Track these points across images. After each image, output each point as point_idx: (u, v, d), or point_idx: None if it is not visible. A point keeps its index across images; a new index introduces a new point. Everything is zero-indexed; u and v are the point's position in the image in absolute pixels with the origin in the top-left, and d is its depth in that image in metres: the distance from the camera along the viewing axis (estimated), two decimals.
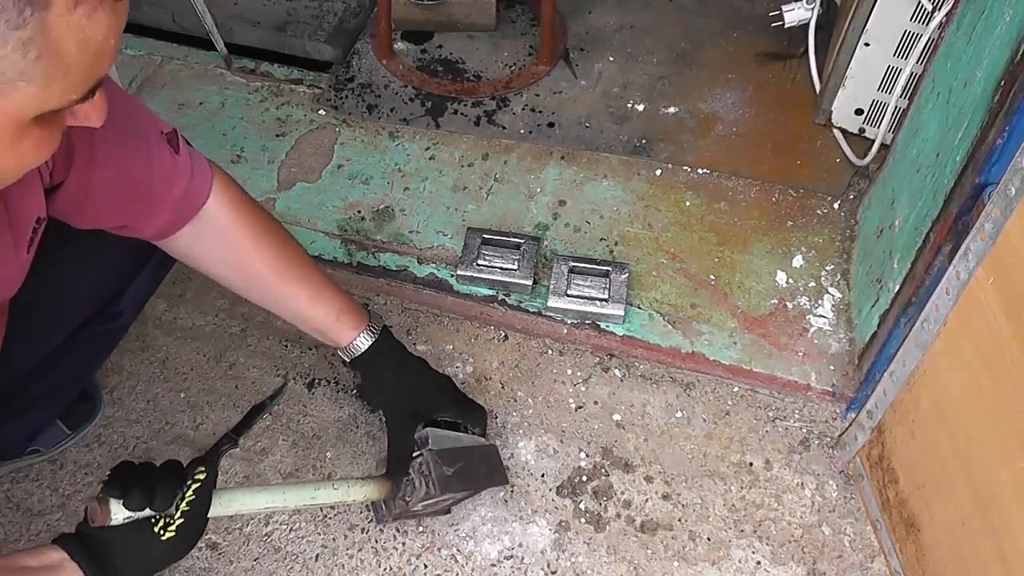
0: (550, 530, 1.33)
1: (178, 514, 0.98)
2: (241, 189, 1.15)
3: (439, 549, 1.31)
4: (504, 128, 1.80)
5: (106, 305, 1.21)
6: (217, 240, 1.11)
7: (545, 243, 1.61)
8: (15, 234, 0.88)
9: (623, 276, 1.52)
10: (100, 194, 0.96)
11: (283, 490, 1.12)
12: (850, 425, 1.35)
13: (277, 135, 1.79)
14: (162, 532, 0.97)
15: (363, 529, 1.32)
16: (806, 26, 1.79)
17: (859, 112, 1.69)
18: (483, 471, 1.29)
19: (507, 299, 1.54)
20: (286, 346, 1.52)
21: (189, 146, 1.07)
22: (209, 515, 1.02)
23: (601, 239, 1.63)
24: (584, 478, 1.38)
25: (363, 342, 1.22)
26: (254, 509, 1.11)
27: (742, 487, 1.37)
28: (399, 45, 1.95)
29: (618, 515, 1.35)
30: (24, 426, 1.29)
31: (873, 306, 1.40)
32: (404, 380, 1.27)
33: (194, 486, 0.99)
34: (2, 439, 1.27)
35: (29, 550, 0.92)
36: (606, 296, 1.50)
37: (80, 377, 1.33)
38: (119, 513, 0.95)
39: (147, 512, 0.96)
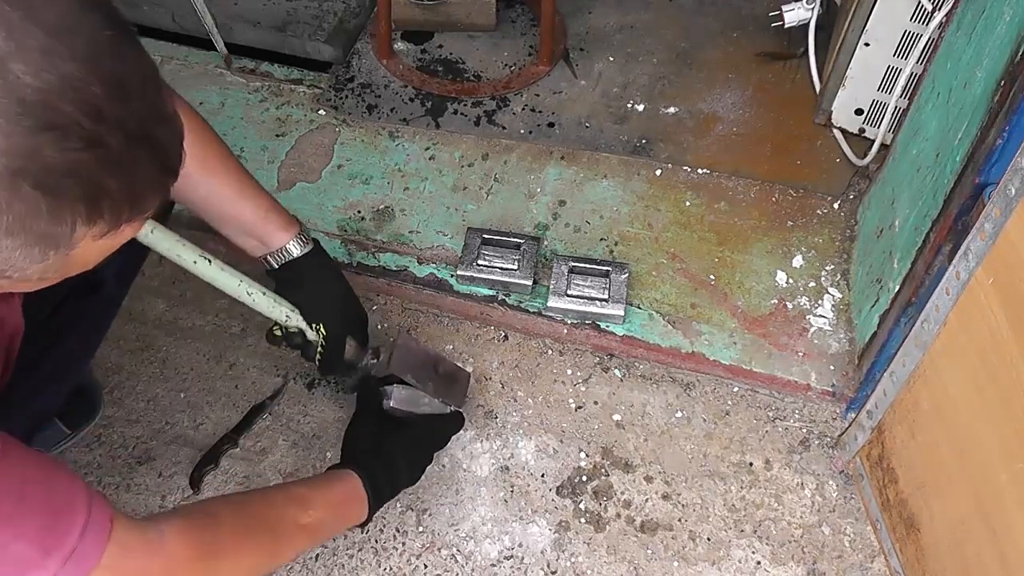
0: (550, 530, 1.33)
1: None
2: (189, 109, 1.13)
3: (439, 549, 1.31)
4: (504, 128, 1.80)
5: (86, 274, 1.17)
6: None
7: (545, 243, 1.62)
8: None
9: (623, 276, 1.52)
10: None
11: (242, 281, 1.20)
12: (850, 425, 1.35)
13: (277, 135, 1.79)
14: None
15: (363, 529, 1.32)
16: (806, 26, 1.79)
17: (859, 112, 1.69)
18: (444, 385, 1.34)
19: (507, 299, 1.54)
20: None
21: None
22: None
23: (601, 239, 1.63)
24: (584, 478, 1.38)
25: (296, 247, 1.20)
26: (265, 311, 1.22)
27: (742, 487, 1.38)
28: (399, 45, 1.95)
29: (618, 515, 1.35)
30: (22, 420, 1.28)
31: (873, 306, 1.40)
32: (343, 288, 1.27)
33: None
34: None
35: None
36: (606, 296, 1.50)
37: (75, 361, 1.29)
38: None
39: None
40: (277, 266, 1.20)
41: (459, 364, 1.41)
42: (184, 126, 1.07)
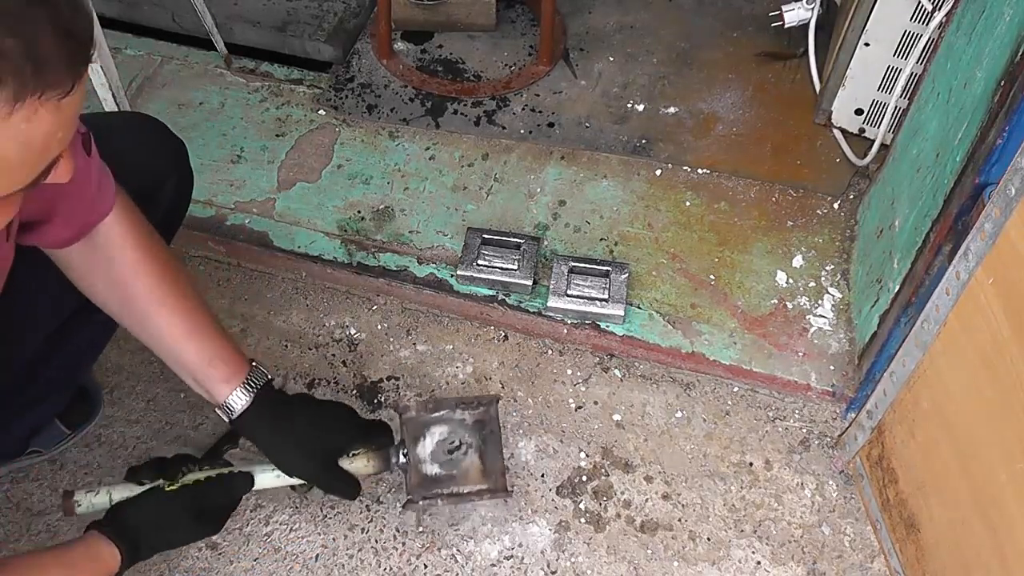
0: (550, 530, 1.33)
1: (179, 480, 1.06)
2: (138, 210, 1.06)
3: (439, 549, 1.31)
4: (504, 128, 1.80)
5: (86, 299, 1.14)
6: (105, 258, 1.02)
7: (545, 243, 1.62)
8: None
9: (623, 276, 1.52)
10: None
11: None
12: (850, 425, 1.35)
13: (277, 135, 1.79)
14: (166, 487, 1.05)
15: (363, 529, 1.32)
16: (806, 26, 1.79)
17: (859, 112, 1.69)
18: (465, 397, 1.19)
19: (507, 299, 1.54)
20: (286, 346, 1.52)
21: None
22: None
23: (601, 239, 1.63)
24: (584, 478, 1.38)
25: (239, 399, 1.05)
26: (269, 485, 1.12)
27: (742, 487, 1.37)
28: (399, 45, 1.95)
29: (618, 515, 1.35)
30: (23, 425, 1.29)
31: (873, 306, 1.40)
32: (304, 429, 1.10)
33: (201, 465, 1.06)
34: (2, 439, 1.27)
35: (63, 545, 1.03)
36: (606, 296, 1.50)
37: (76, 373, 1.32)
38: (82, 500, 1.07)
39: (104, 500, 1.07)
40: (228, 420, 1.07)
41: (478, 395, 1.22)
42: (152, 251, 1.05)
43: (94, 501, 1.08)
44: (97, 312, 1.14)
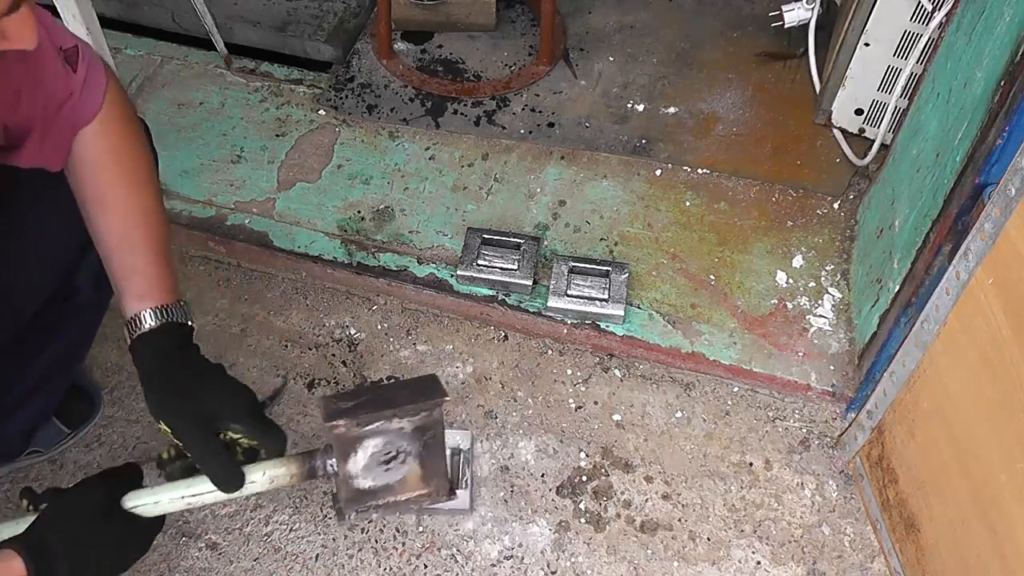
0: (550, 530, 1.33)
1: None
2: (128, 126, 1.03)
3: (439, 549, 1.31)
4: (504, 128, 1.80)
5: (61, 282, 1.14)
6: (77, 157, 1.00)
7: (545, 243, 1.62)
8: None
9: (623, 276, 1.52)
10: None
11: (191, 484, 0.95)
12: (850, 425, 1.35)
13: (277, 135, 1.79)
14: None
15: (363, 529, 1.33)
16: (806, 26, 1.79)
17: (859, 112, 1.69)
18: (406, 393, 0.99)
19: (507, 299, 1.54)
20: (286, 346, 1.52)
21: (92, 64, 0.99)
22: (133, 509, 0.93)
23: (601, 239, 1.63)
24: (584, 478, 1.38)
25: (149, 318, 0.97)
26: (172, 508, 0.96)
27: (742, 487, 1.38)
28: (399, 45, 1.95)
29: (618, 515, 1.35)
30: (17, 425, 1.29)
31: (873, 306, 1.40)
32: (191, 379, 0.99)
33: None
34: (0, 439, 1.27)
35: None
36: (606, 296, 1.50)
37: (64, 371, 1.29)
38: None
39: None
40: (128, 340, 0.99)
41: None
42: (126, 172, 1.00)
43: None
44: (69, 297, 1.12)
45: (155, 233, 1.02)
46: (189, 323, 1.01)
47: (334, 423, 0.94)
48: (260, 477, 0.95)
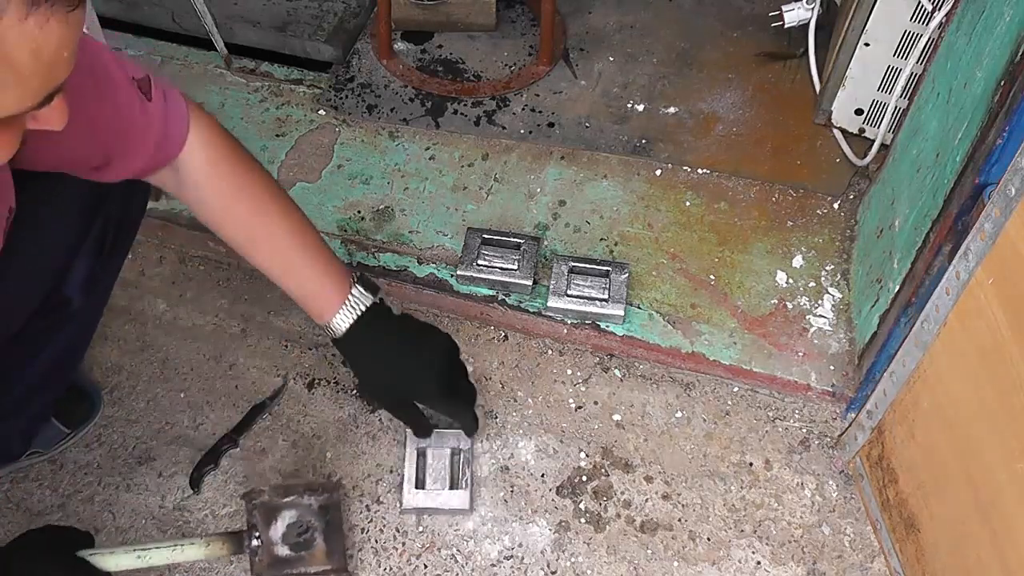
0: (550, 530, 1.33)
1: None
2: (223, 140, 1.10)
3: (439, 549, 1.31)
4: (504, 128, 1.80)
5: (50, 292, 1.13)
6: (194, 192, 1.09)
7: (545, 243, 1.61)
8: None
9: (623, 276, 1.52)
10: (67, 140, 0.90)
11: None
12: (850, 425, 1.35)
13: (277, 135, 1.79)
14: None
15: (363, 529, 1.33)
16: (806, 26, 1.79)
17: (859, 112, 1.69)
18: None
19: (507, 299, 1.54)
20: (286, 346, 1.52)
21: (168, 92, 1.03)
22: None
23: (601, 239, 1.63)
24: (584, 478, 1.38)
25: (338, 324, 1.14)
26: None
27: (742, 487, 1.37)
28: (399, 45, 1.95)
29: (618, 515, 1.35)
30: (16, 426, 1.28)
31: (873, 306, 1.40)
32: (385, 366, 1.19)
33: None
34: None
35: None
36: (606, 296, 1.50)
37: (58, 378, 1.28)
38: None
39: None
40: (332, 340, 1.17)
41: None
42: (237, 189, 1.09)
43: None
44: (59, 308, 1.13)
45: (306, 243, 1.13)
46: (373, 301, 1.15)
47: (259, 492, 1.18)
48: (203, 548, 1.13)
